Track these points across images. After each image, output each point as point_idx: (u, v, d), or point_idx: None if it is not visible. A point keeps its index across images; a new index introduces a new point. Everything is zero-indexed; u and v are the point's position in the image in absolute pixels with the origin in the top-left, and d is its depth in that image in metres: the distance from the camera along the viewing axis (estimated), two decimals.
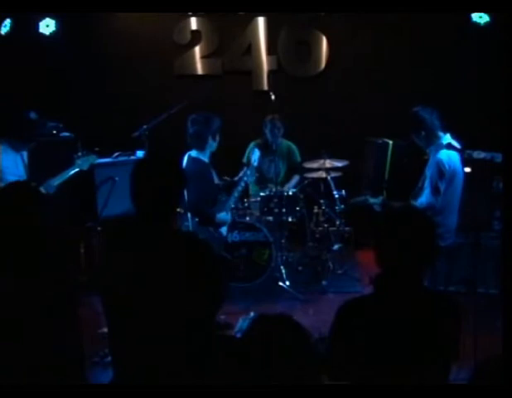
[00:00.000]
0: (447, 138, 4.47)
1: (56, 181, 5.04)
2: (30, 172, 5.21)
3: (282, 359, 1.74)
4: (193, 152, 5.28)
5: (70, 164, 5.18)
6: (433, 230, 2.35)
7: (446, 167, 4.37)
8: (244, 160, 6.64)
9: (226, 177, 5.96)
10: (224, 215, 5.40)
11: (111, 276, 2.42)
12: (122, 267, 2.40)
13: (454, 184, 4.41)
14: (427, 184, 4.43)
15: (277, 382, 1.71)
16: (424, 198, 4.41)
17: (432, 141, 4.46)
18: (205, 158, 5.30)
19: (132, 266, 2.37)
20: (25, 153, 5.23)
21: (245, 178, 5.67)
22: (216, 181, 5.51)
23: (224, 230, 5.52)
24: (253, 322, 1.87)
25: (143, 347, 2.35)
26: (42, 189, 4.87)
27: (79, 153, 5.24)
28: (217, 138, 5.29)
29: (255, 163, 5.68)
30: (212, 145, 5.28)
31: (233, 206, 5.62)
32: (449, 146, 4.46)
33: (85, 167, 5.18)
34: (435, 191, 4.38)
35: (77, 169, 5.15)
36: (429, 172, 4.42)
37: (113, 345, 2.51)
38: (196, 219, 5.21)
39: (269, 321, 1.86)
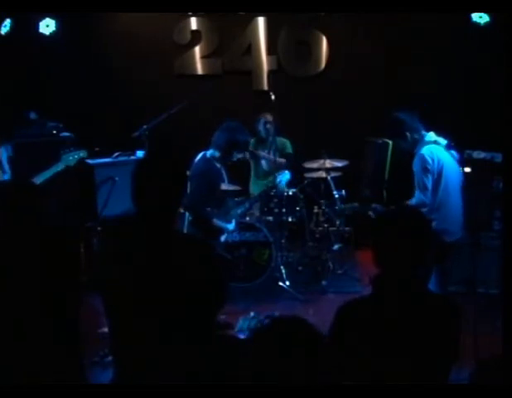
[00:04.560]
0: (431, 136, 4.46)
1: (40, 178, 4.90)
2: (13, 171, 5.17)
3: (297, 360, 1.75)
4: (209, 152, 5.27)
5: (55, 161, 5.02)
6: (428, 228, 2.36)
7: (429, 161, 4.34)
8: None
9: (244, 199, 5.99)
10: (223, 223, 5.36)
11: (111, 276, 2.42)
12: (122, 267, 2.39)
13: (444, 178, 4.38)
14: (415, 182, 4.43)
15: (292, 383, 1.72)
16: (414, 197, 4.40)
17: (417, 141, 4.46)
18: (218, 162, 5.27)
19: (133, 266, 2.37)
20: (3, 152, 5.18)
21: (263, 195, 5.75)
22: (226, 186, 5.44)
23: (222, 237, 5.50)
24: (269, 324, 1.89)
25: (144, 347, 2.35)
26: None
27: (67, 149, 5.08)
28: (234, 153, 5.22)
29: (280, 184, 5.74)
30: (226, 156, 5.22)
31: (239, 213, 5.61)
32: (433, 143, 4.46)
33: (72, 163, 4.95)
34: (422, 187, 4.35)
35: (63, 166, 4.97)
36: (415, 169, 4.42)
37: (113, 345, 2.50)
38: (191, 218, 5.20)
39: (285, 323, 1.87)
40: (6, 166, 5.19)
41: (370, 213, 4.69)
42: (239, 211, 5.57)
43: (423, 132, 4.47)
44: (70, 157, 4.92)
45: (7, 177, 5.09)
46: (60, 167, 4.90)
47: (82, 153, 5.00)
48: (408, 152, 4.50)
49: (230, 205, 5.49)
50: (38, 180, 4.84)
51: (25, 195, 2.69)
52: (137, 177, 2.45)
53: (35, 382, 2.41)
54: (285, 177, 5.87)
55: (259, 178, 6.65)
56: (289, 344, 1.78)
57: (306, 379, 1.75)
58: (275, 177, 5.97)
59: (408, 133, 4.47)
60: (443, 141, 4.50)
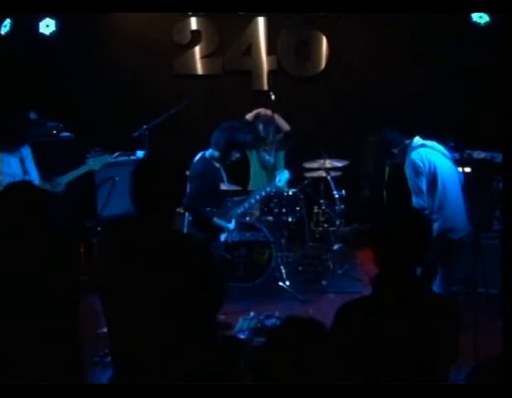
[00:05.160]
0: (417, 141, 4.50)
1: (65, 179, 4.98)
2: (30, 172, 5.19)
3: (309, 360, 1.76)
4: (208, 152, 5.24)
5: (80, 163, 5.12)
6: (428, 228, 2.37)
7: (420, 164, 4.37)
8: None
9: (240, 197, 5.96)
10: (223, 222, 5.31)
11: (111, 276, 2.42)
12: (121, 267, 2.39)
13: (440, 178, 4.39)
14: (410, 188, 4.46)
15: (305, 382, 1.73)
16: (413, 203, 4.43)
17: (405, 151, 4.49)
18: (217, 162, 5.25)
19: (132, 266, 2.37)
20: (26, 152, 5.22)
21: (263, 193, 5.73)
22: (225, 186, 5.41)
23: (223, 236, 5.46)
24: (282, 325, 1.90)
25: (144, 347, 2.35)
26: (48, 187, 4.88)
27: (93, 153, 5.16)
28: (233, 152, 5.20)
29: (279, 183, 5.74)
30: (225, 155, 5.19)
31: (238, 213, 5.59)
32: (422, 146, 4.48)
33: (97, 168, 5.06)
34: (418, 191, 4.38)
35: (87, 169, 5.06)
36: (408, 175, 4.45)
37: (113, 345, 2.50)
38: (190, 218, 5.18)
39: (298, 323, 1.89)
40: (29, 166, 5.23)
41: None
42: (238, 211, 5.55)
43: (407, 141, 4.51)
44: (97, 162, 4.98)
45: (28, 177, 5.13)
46: (84, 169, 4.98)
47: (108, 158, 5.06)
48: (402, 162, 4.53)
49: (230, 205, 5.48)
50: (63, 180, 4.90)
51: (27, 195, 2.69)
52: (136, 177, 2.45)
53: (35, 382, 2.41)
54: (284, 176, 5.84)
55: (260, 175, 6.64)
56: (304, 344, 1.80)
57: (318, 378, 1.76)
58: (274, 177, 5.97)
59: (393, 150, 4.52)
60: (431, 143, 4.53)
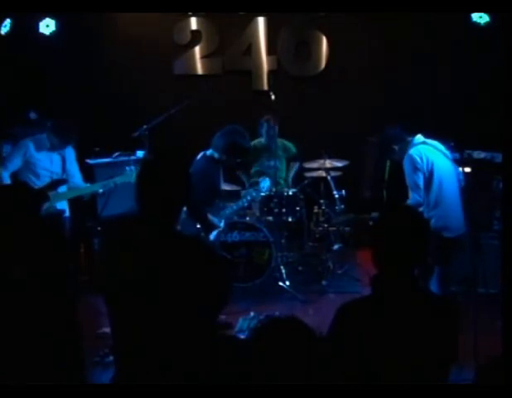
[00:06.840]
0: (419, 138, 4.52)
1: (105, 184, 5.13)
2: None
3: (290, 360, 1.75)
4: (208, 152, 5.24)
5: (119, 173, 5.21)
6: (426, 227, 2.38)
7: (418, 160, 4.41)
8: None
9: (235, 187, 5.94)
10: (215, 220, 5.33)
11: (113, 276, 2.42)
12: (124, 267, 2.39)
13: (437, 176, 4.42)
14: (407, 183, 4.48)
15: (285, 382, 1.72)
16: (409, 198, 4.44)
17: (406, 147, 4.52)
18: (217, 162, 5.24)
19: (135, 266, 2.36)
20: (69, 153, 5.29)
21: (249, 198, 5.73)
22: (222, 186, 5.41)
23: (213, 235, 5.46)
24: (263, 324, 1.89)
25: (146, 347, 2.35)
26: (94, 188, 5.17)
27: (132, 166, 5.22)
28: (232, 157, 5.19)
29: (263, 190, 5.79)
30: (225, 158, 5.18)
31: (227, 213, 5.59)
32: (422, 143, 4.51)
33: (133, 180, 5.06)
34: (415, 187, 4.41)
35: (126, 180, 5.07)
36: (406, 170, 4.47)
37: (115, 344, 2.50)
38: (184, 215, 5.18)
39: (278, 323, 1.88)
40: (69, 166, 5.28)
41: (370, 223, 4.72)
42: (227, 212, 5.57)
43: (409, 138, 4.53)
44: (134, 173, 5.01)
45: (66, 176, 5.24)
46: (122, 179, 5.02)
47: None
48: (402, 158, 4.54)
49: (220, 205, 5.50)
50: (104, 187, 5.08)
51: (26, 196, 2.69)
52: (141, 177, 2.45)
53: (35, 382, 2.41)
54: (266, 184, 5.91)
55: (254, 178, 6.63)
56: (283, 343, 1.79)
57: (300, 378, 1.76)
58: (259, 183, 5.99)
59: (394, 146, 4.54)
60: (432, 141, 4.55)
